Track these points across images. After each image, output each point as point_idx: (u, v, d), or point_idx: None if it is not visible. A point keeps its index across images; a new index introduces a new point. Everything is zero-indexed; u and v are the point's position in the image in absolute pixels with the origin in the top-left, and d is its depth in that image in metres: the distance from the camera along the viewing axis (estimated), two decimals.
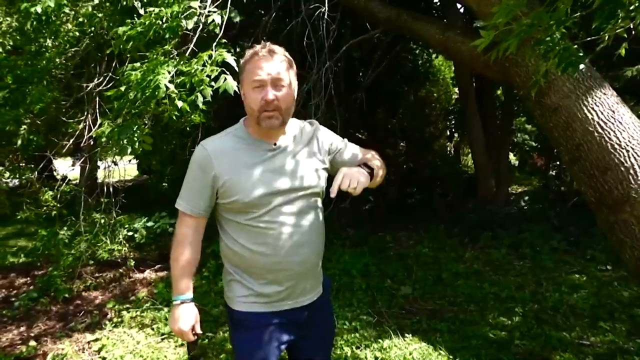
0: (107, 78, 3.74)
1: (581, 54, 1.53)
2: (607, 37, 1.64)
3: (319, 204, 1.56)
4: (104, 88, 3.59)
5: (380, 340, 3.04)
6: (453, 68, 11.73)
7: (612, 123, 2.54)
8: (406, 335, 3.11)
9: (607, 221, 2.47)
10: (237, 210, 1.43)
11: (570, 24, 1.49)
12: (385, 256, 4.84)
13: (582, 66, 1.51)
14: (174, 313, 1.47)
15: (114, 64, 3.73)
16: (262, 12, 5.53)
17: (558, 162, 7.38)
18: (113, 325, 3.47)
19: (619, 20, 1.53)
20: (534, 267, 4.42)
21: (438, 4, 7.10)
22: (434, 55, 9.57)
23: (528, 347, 2.92)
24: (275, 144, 1.47)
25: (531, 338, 3.02)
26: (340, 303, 3.67)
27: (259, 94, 1.39)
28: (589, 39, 1.65)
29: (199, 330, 1.50)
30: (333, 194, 1.35)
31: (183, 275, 1.47)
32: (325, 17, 4.04)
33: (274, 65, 1.40)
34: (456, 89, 10.44)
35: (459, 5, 6.20)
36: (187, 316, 1.46)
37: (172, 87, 2.68)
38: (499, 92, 9.08)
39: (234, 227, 1.47)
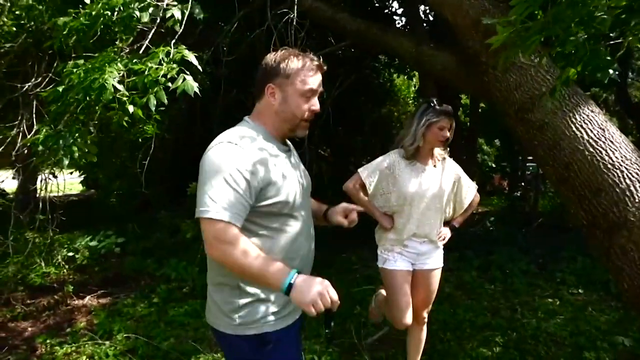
0: (47, 79, 3.32)
1: (609, 59, 1.34)
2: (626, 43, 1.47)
3: None
4: (42, 90, 3.16)
5: None
6: (413, 88, 11.84)
7: (603, 142, 2.40)
8: None
9: (602, 246, 2.30)
10: (275, 213, 1.40)
11: (599, 24, 1.30)
12: (352, 279, 4.56)
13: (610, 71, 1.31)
14: (298, 289, 1.24)
15: (55, 64, 3.31)
16: (222, 24, 5.21)
17: (522, 183, 7.42)
18: None
19: None
20: (505, 290, 4.27)
21: (404, 22, 7.05)
22: (395, 75, 9.58)
23: None
24: (286, 145, 1.55)
25: None
26: (306, 334, 3.33)
27: (306, 103, 1.44)
28: (612, 42, 1.47)
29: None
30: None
31: (268, 262, 1.28)
32: (294, 23, 3.80)
33: (320, 81, 1.48)
34: None
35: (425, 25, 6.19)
36: (313, 280, 1.26)
37: (122, 88, 2.32)
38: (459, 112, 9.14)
39: (265, 235, 1.39)
